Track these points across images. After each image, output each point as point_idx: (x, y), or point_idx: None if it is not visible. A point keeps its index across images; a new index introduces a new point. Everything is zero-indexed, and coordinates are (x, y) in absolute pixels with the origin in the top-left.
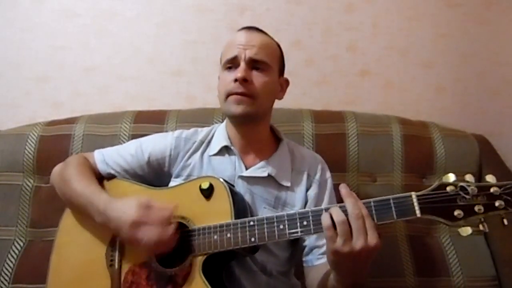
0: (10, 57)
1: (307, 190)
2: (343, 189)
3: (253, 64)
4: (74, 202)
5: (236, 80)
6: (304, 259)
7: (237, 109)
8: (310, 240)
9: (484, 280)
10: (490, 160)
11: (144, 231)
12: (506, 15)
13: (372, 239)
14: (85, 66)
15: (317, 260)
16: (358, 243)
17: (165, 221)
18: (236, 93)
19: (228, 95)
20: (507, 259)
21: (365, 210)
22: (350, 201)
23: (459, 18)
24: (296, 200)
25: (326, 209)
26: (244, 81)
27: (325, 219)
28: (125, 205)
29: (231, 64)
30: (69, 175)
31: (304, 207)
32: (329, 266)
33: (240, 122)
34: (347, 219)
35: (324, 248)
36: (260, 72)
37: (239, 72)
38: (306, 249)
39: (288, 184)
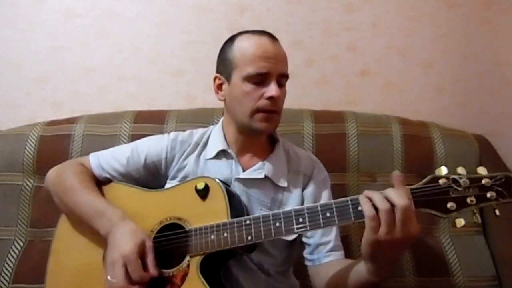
0: (10, 57)
1: (303, 189)
2: (397, 178)
3: (280, 79)
4: (78, 212)
5: (270, 98)
6: (309, 258)
7: (267, 127)
8: (314, 238)
9: (484, 280)
10: (490, 160)
11: (119, 271)
12: (506, 15)
13: (415, 226)
14: (85, 66)
15: (324, 258)
16: (402, 231)
17: (140, 281)
18: (268, 111)
19: (257, 111)
20: (507, 259)
21: (410, 195)
22: (398, 192)
23: (459, 18)
24: (292, 200)
25: (322, 206)
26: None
27: (368, 208)
28: (133, 235)
29: (261, 79)
30: (72, 185)
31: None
32: (364, 257)
33: (259, 136)
34: (392, 206)
35: (330, 245)
36: (283, 87)
37: (273, 91)
38: (311, 248)
39: (285, 185)
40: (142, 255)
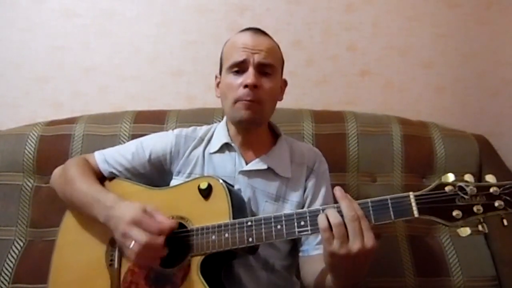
0: (10, 57)
1: (306, 180)
2: (338, 191)
3: (261, 68)
4: (77, 201)
5: (246, 86)
6: (300, 248)
7: (245, 114)
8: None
9: (484, 280)
10: (490, 160)
11: (136, 232)
12: (506, 15)
13: (368, 240)
14: (85, 66)
15: (313, 250)
16: (354, 245)
17: (160, 231)
18: (246, 100)
19: (237, 101)
20: (507, 259)
21: (360, 211)
22: (344, 203)
23: (459, 18)
24: (296, 191)
25: (324, 210)
26: (254, 87)
27: (321, 221)
28: (130, 206)
29: (239, 68)
30: (72, 175)
31: (303, 198)
32: (326, 268)
33: (245, 127)
34: (343, 221)
35: (320, 238)
36: (267, 77)
37: (249, 78)
38: (303, 238)
39: (288, 176)
40: (150, 217)
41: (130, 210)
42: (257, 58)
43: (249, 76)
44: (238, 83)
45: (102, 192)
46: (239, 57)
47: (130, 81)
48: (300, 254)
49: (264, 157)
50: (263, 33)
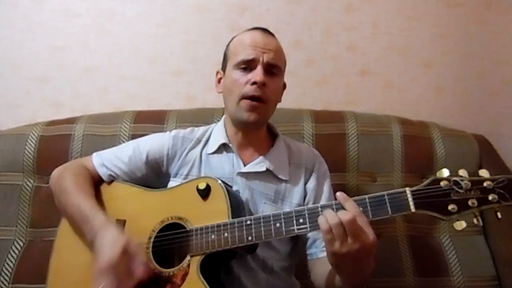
0: (10, 57)
1: (306, 183)
2: (340, 196)
3: (269, 68)
4: (69, 215)
5: (253, 83)
6: (308, 252)
7: (250, 116)
8: (312, 232)
9: (484, 280)
10: (490, 160)
11: (108, 280)
12: (506, 15)
13: (368, 236)
14: (85, 66)
15: (321, 253)
16: (355, 243)
17: (132, 278)
18: (252, 96)
19: (243, 98)
20: (507, 259)
21: (357, 208)
22: (346, 206)
23: (459, 18)
24: (295, 193)
25: (322, 207)
26: (262, 85)
27: (322, 223)
28: (112, 241)
29: (247, 65)
30: (67, 186)
31: (303, 200)
32: (332, 268)
33: (248, 128)
34: (341, 221)
35: None
36: (274, 77)
37: (258, 76)
38: (310, 241)
39: (287, 178)
40: (128, 260)
41: (110, 248)
42: (266, 57)
43: (258, 74)
44: (245, 80)
45: (92, 212)
46: (248, 55)
47: (130, 81)
48: (308, 257)
49: (262, 159)
50: (271, 34)
